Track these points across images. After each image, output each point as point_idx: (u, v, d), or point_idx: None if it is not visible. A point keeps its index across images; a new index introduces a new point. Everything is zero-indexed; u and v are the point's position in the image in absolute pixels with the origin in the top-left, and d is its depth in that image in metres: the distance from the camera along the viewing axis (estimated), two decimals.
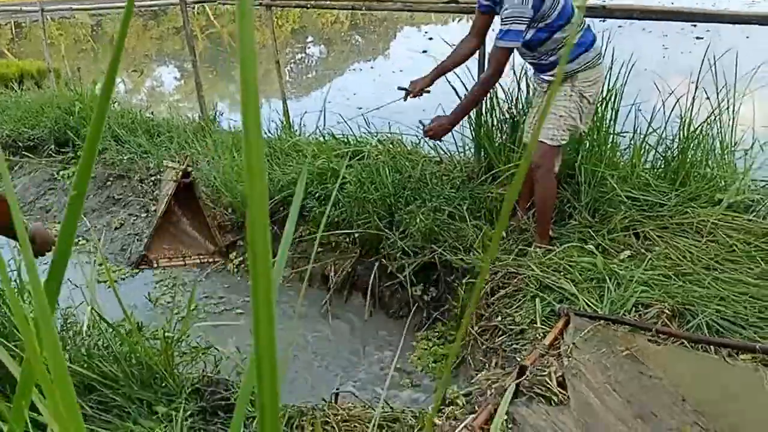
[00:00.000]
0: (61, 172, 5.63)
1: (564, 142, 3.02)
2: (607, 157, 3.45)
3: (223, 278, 4.15)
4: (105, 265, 2.50)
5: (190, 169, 3.75)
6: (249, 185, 0.32)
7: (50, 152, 5.82)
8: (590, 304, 2.50)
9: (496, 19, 3.01)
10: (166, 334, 2.24)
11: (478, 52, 3.52)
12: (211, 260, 4.11)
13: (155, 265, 4.16)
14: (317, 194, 3.81)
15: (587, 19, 3.01)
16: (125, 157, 5.18)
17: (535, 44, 2.95)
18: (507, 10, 2.77)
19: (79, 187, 0.44)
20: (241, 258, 4.25)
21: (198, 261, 4.16)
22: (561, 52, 2.95)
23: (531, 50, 3.00)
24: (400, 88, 3.27)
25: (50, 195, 5.50)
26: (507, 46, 2.84)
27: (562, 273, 2.75)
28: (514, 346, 2.41)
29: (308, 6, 4.95)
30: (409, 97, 3.26)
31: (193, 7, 7.36)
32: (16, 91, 7.68)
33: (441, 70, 3.25)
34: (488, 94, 3.76)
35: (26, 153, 5.89)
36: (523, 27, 2.79)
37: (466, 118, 3.94)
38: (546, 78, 3.13)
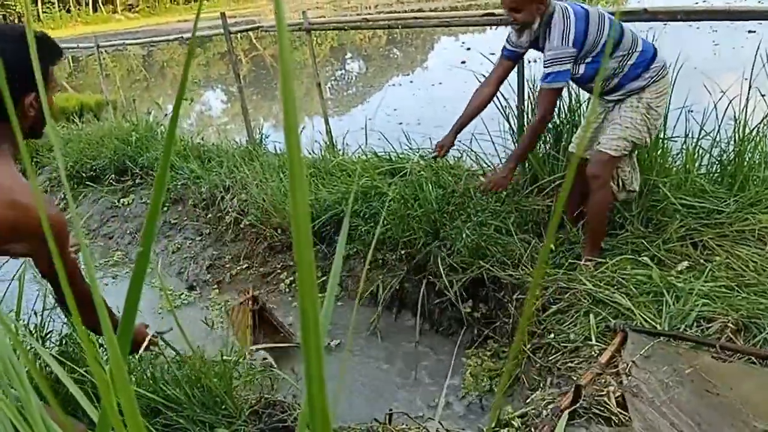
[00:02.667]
0: (121, 200, 5.85)
1: (626, 153, 2.94)
2: (658, 163, 3.35)
3: (275, 298, 4.21)
4: (165, 291, 2.57)
5: (257, 293, 3.72)
6: (293, 208, 0.33)
7: (111, 181, 6.05)
8: (648, 319, 2.42)
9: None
10: (225, 357, 2.29)
11: (516, 77, 3.51)
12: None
13: None
14: (362, 212, 3.83)
15: (638, 33, 2.92)
16: (179, 183, 5.33)
17: (592, 77, 2.90)
18: (549, 52, 2.77)
19: (145, 244, 0.45)
20: (292, 278, 4.30)
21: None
22: (626, 67, 2.87)
23: (589, 82, 2.97)
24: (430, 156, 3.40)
25: (112, 222, 5.73)
26: (554, 87, 2.83)
27: (615, 287, 2.67)
28: (569, 364, 2.36)
29: (345, 28, 5.01)
30: (438, 158, 3.32)
31: (236, 34, 7.54)
32: (76, 124, 8.01)
33: (461, 126, 3.23)
34: (530, 105, 3.75)
35: (89, 183, 6.14)
36: (567, 66, 2.77)
37: (507, 127, 3.95)
38: (611, 98, 3.00)
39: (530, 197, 3.60)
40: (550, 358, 2.46)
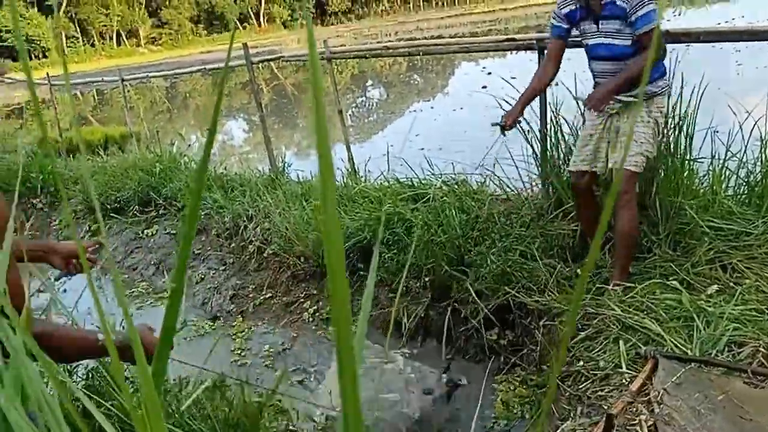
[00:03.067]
0: (145, 231, 5.92)
1: (643, 168, 2.94)
2: (685, 185, 3.31)
3: (298, 328, 4.20)
4: (196, 322, 2.58)
5: None
6: (326, 239, 0.33)
7: (135, 212, 6.13)
8: (678, 345, 2.36)
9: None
10: (252, 387, 2.29)
11: (539, 101, 3.58)
12: None
13: None
14: (384, 239, 3.83)
15: None
16: (203, 213, 5.38)
17: (626, 55, 2.91)
18: None
19: (178, 281, 0.46)
20: (316, 307, 4.29)
21: None
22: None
23: (617, 59, 2.94)
24: (494, 125, 3.24)
25: (137, 253, 5.79)
26: (654, 25, 2.81)
27: (645, 312, 2.62)
28: (600, 392, 2.31)
29: (366, 56, 5.07)
30: (505, 130, 3.21)
31: (258, 64, 7.67)
32: (101, 156, 8.17)
33: (527, 100, 3.22)
34: (553, 128, 3.74)
35: (113, 214, 6.23)
36: (655, 6, 2.80)
37: (531, 152, 3.93)
38: (621, 96, 2.96)
39: (555, 222, 3.57)
40: (579, 387, 2.41)
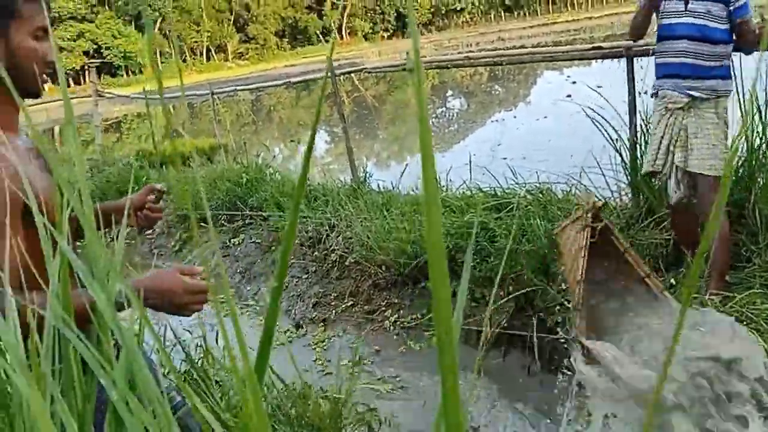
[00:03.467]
0: (232, 240, 6.13)
1: (721, 173, 2.82)
2: None
3: (380, 336, 4.23)
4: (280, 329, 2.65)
5: (600, 202, 2.73)
6: (430, 247, 0.33)
7: (222, 221, 6.37)
8: None
9: None
10: (334, 395, 2.32)
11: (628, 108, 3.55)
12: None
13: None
14: (466, 247, 3.80)
15: None
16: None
17: (715, 38, 2.85)
18: None
19: (279, 278, 0.47)
20: (397, 315, 4.31)
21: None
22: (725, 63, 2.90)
23: (705, 41, 2.87)
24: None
25: (223, 261, 6.00)
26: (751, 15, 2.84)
27: (744, 322, 2.49)
28: None
29: (448, 66, 5.07)
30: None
31: (341, 76, 7.84)
32: (191, 167, 8.54)
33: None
34: (643, 136, 3.63)
35: (201, 224, 6.49)
36: None
37: (619, 160, 3.81)
38: (693, 93, 2.89)
39: (646, 231, 3.44)
40: None
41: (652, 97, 3.15)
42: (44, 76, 1.35)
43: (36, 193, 1.07)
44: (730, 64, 2.95)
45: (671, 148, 2.98)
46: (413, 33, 0.33)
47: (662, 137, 3.02)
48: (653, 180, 3.38)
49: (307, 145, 0.44)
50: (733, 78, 2.97)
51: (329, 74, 5.87)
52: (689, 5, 2.87)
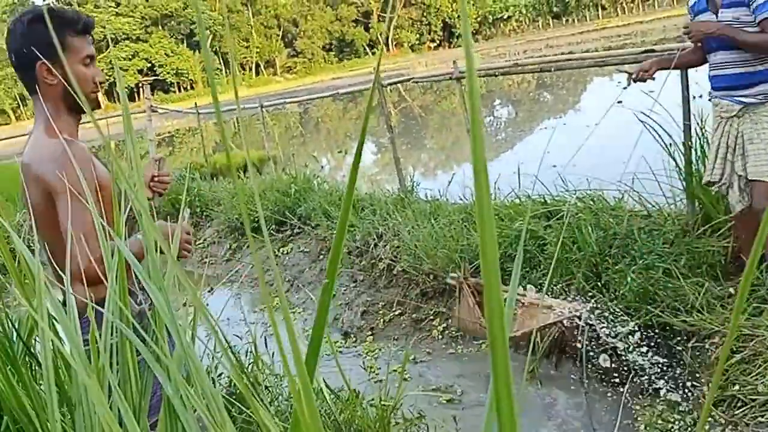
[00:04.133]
0: (280, 249, 6.22)
1: None
2: None
3: (428, 344, 4.21)
4: (329, 338, 2.67)
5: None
6: (483, 257, 0.33)
7: (271, 231, 6.47)
8: None
9: None
10: (382, 402, 2.31)
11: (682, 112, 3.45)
12: None
13: None
14: (514, 255, 3.75)
15: None
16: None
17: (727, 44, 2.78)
18: None
19: (330, 276, 0.48)
20: (445, 324, 4.28)
21: None
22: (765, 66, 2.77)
23: (737, 48, 2.78)
24: (622, 71, 3.16)
25: (272, 271, 6.09)
26: None
27: None
28: (760, 419, 2.11)
29: (496, 74, 5.05)
30: (632, 81, 3.17)
31: (388, 87, 7.89)
32: (241, 179, 8.73)
33: (663, 62, 3.14)
34: (699, 141, 3.53)
35: (252, 233, 6.61)
36: None
37: (674, 165, 3.71)
38: (744, 100, 2.79)
39: (702, 238, 3.33)
40: (735, 413, 2.21)
41: (709, 100, 3.07)
42: (93, 94, 1.68)
43: (103, 179, 1.55)
44: None
45: (729, 156, 2.89)
46: (466, 40, 0.33)
47: (719, 146, 2.94)
48: (712, 187, 3.28)
49: (356, 153, 0.45)
50: None
51: (376, 85, 5.92)
52: (720, 14, 2.80)
